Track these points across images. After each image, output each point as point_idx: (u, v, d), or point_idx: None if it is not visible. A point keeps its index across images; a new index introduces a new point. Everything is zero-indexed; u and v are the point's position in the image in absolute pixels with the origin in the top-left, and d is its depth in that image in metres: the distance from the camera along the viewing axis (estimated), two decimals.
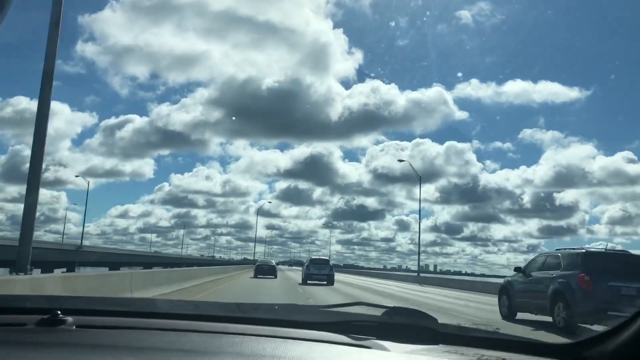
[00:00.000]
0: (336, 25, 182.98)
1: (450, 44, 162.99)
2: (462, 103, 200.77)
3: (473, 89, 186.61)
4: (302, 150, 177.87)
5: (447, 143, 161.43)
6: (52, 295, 2.08)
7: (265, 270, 37.00)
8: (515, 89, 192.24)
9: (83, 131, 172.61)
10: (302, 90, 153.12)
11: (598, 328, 9.46)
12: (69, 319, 1.59)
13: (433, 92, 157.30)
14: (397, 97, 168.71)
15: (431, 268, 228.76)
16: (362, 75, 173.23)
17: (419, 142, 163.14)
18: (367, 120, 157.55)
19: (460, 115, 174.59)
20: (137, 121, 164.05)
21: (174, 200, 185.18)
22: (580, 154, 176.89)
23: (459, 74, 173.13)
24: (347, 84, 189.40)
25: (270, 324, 1.70)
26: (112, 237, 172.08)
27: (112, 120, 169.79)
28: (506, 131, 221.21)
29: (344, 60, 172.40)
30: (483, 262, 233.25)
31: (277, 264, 45.51)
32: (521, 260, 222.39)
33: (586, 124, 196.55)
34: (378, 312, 1.80)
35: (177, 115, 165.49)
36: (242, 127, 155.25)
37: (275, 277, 36.09)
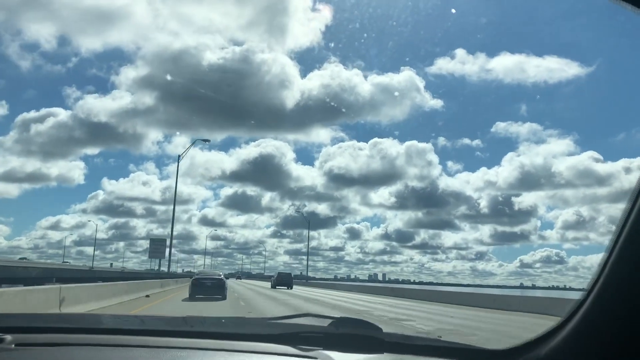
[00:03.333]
0: None
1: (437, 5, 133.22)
2: (439, 85, 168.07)
3: (459, 61, 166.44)
4: (250, 150, 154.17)
5: (408, 143, 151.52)
6: None
7: (206, 287, 24.45)
8: (507, 63, 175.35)
9: None
10: (252, 69, 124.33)
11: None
12: (7, 337, 1.55)
13: (403, 77, 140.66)
14: (362, 84, 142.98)
15: (380, 277, 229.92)
16: (326, 45, 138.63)
17: (377, 141, 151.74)
18: (325, 111, 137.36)
19: (434, 104, 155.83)
20: (58, 113, 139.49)
21: (109, 209, 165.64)
22: (553, 150, 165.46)
23: (441, 47, 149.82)
24: (307, 55, 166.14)
25: (218, 337, 1.71)
26: (47, 250, 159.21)
27: (31, 114, 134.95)
28: (479, 124, 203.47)
29: (307, 20, 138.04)
30: (429, 270, 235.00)
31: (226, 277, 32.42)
32: (467, 268, 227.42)
33: (574, 111, 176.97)
34: (325, 322, 1.83)
35: (100, 103, 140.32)
36: (179, 118, 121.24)
37: (224, 297, 24.23)
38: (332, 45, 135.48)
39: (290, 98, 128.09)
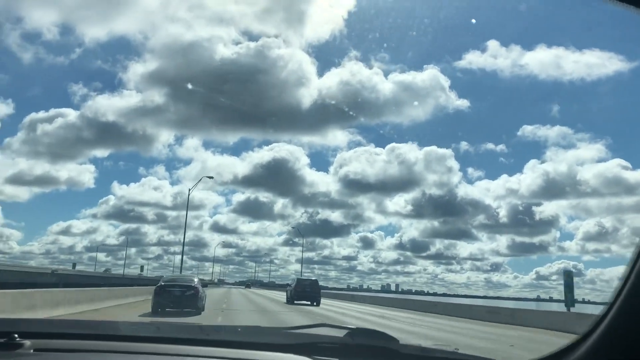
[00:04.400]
0: None
1: None
2: (467, 83, 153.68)
3: (490, 55, 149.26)
4: (263, 154, 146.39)
5: (427, 148, 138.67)
6: (8, 318, 2.03)
7: (175, 297, 18.58)
8: (543, 57, 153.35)
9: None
10: (267, 67, 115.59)
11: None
12: (27, 342, 1.56)
13: (427, 76, 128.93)
14: (382, 84, 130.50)
15: (393, 288, 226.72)
16: (348, 34, 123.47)
17: (395, 146, 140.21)
18: (342, 112, 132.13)
19: (459, 104, 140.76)
20: (66, 114, 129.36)
21: (120, 214, 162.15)
22: (582, 156, 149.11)
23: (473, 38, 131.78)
24: (325, 48, 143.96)
25: (234, 346, 1.71)
26: (58, 256, 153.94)
27: (40, 114, 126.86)
28: (506, 126, 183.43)
29: (329, 7, 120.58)
30: (443, 281, 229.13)
31: (206, 284, 24.27)
32: (482, 279, 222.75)
33: (610, 112, 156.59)
34: (341, 333, 1.82)
35: (108, 102, 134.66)
36: (190, 118, 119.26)
37: (199, 312, 18.53)
38: (353, 35, 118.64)
39: (307, 97, 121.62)
